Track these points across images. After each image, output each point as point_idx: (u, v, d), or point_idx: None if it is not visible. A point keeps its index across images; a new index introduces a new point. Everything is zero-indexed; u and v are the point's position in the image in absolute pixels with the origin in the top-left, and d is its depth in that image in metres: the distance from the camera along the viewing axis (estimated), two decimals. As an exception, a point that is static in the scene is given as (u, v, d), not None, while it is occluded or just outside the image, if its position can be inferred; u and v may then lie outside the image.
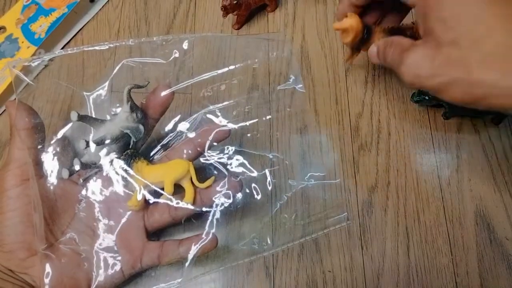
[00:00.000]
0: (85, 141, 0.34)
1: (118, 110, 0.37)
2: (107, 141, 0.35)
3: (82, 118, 0.34)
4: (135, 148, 0.37)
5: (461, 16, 0.28)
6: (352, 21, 0.36)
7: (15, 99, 0.46)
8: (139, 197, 0.35)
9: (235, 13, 0.47)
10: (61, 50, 0.37)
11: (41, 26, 0.47)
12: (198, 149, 0.37)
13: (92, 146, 0.34)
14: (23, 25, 0.48)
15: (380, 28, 0.37)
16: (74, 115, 0.34)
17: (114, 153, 0.36)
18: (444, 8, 0.29)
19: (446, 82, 0.29)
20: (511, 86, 0.26)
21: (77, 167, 0.34)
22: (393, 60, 0.33)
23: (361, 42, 0.37)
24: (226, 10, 0.46)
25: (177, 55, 0.38)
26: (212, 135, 0.37)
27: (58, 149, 0.35)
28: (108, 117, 0.36)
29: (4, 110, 0.46)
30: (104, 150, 0.35)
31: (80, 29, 0.50)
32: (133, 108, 0.35)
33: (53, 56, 0.37)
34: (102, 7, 0.51)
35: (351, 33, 0.37)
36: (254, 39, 0.38)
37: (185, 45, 0.38)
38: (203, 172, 0.37)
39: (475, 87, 0.28)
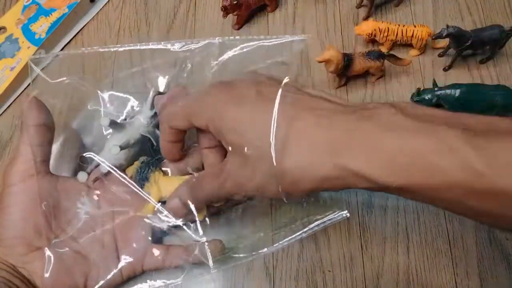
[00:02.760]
0: (119, 146, 0.34)
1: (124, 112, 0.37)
2: (131, 144, 0.36)
3: (111, 123, 0.34)
4: (152, 155, 0.37)
5: (242, 121, 0.29)
6: (331, 53, 0.41)
7: (19, 95, 0.46)
8: (151, 207, 0.35)
9: (235, 14, 0.47)
10: (83, 49, 0.37)
11: (41, 27, 0.47)
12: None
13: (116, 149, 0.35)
14: (24, 25, 0.48)
15: (359, 53, 0.42)
16: (106, 121, 0.34)
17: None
18: (228, 120, 0.29)
19: (261, 181, 0.29)
20: (299, 167, 0.27)
21: (83, 176, 0.35)
22: (214, 187, 0.32)
23: (345, 69, 0.42)
24: (226, 10, 0.46)
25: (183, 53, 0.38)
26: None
27: (65, 147, 0.36)
28: (126, 120, 0.37)
29: (5, 110, 0.46)
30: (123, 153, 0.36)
31: (81, 29, 0.50)
32: (155, 114, 0.36)
33: (67, 53, 0.37)
34: (102, 7, 0.51)
35: (333, 63, 0.41)
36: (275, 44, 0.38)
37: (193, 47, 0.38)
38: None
39: (283, 176, 0.28)
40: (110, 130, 0.36)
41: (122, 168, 0.36)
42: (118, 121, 0.36)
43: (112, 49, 0.38)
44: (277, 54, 0.37)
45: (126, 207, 0.36)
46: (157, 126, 0.36)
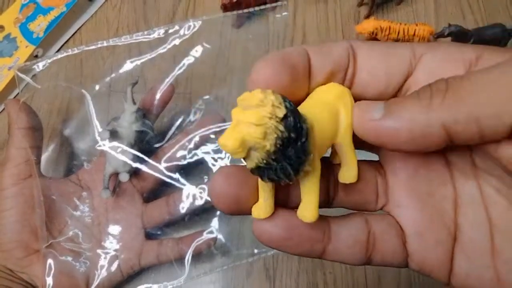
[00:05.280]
0: (133, 154, 0.35)
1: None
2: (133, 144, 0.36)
3: (111, 134, 0.34)
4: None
5: None
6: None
7: (15, 97, 0.46)
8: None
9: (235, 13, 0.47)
10: (68, 50, 0.37)
11: (39, 25, 0.47)
12: (196, 140, 0.37)
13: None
14: (22, 24, 0.47)
15: None
16: (106, 134, 0.34)
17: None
18: None
19: None
20: None
21: (126, 177, 0.35)
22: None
23: None
24: (226, 9, 0.45)
25: (177, 42, 0.37)
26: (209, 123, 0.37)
27: (57, 149, 0.35)
28: (115, 123, 0.36)
29: (3, 110, 0.46)
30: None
31: (79, 28, 0.49)
32: (138, 108, 0.36)
33: (55, 58, 0.37)
34: (101, 6, 0.50)
35: None
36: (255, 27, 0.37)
37: (183, 31, 0.37)
38: (198, 167, 0.37)
39: None
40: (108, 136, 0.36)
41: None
42: (110, 128, 0.35)
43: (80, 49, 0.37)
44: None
45: (119, 203, 0.37)
46: (144, 117, 0.36)
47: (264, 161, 0.14)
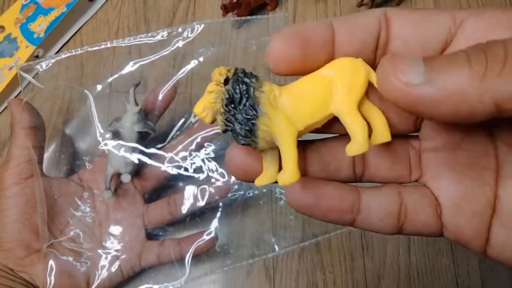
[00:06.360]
0: (135, 155, 0.35)
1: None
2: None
3: (113, 134, 0.35)
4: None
5: None
6: None
7: (16, 96, 0.46)
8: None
9: (235, 12, 0.47)
10: (67, 51, 0.37)
11: (40, 26, 0.47)
12: (198, 141, 0.37)
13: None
14: (22, 24, 0.48)
15: None
16: (108, 134, 0.34)
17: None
18: None
19: None
20: None
21: (127, 178, 0.35)
22: None
23: None
24: (226, 9, 0.45)
25: (180, 44, 0.37)
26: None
27: (58, 148, 0.35)
28: (117, 123, 0.36)
29: (4, 110, 0.46)
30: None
31: (79, 28, 0.49)
32: (141, 109, 0.36)
33: (58, 58, 0.37)
34: (101, 6, 0.50)
35: None
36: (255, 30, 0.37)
37: (186, 34, 0.37)
38: (199, 168, 0.37)
39: None
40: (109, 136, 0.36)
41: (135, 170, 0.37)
42: (112, 129, 0.36)
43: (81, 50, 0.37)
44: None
45: (120, 203, 0.37)
46: (146, 118, 0.36)
47: (224, 123, 0.17)
